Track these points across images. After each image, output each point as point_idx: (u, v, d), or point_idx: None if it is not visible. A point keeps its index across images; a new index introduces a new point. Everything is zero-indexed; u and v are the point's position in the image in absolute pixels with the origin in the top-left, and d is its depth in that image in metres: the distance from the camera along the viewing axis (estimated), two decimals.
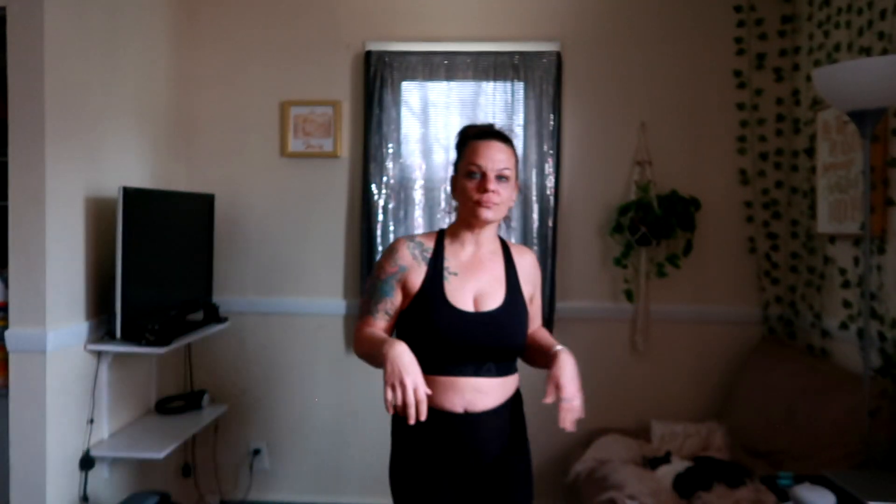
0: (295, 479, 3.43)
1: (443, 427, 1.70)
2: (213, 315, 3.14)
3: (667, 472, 2.59)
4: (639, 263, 3.30)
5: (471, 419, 1.71)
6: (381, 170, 3.31)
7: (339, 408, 3.40)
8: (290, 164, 3.42)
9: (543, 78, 3.27)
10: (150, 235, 2.73)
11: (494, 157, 1.74)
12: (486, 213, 1.73)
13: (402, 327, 1.80)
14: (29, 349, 2.35)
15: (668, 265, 3.25)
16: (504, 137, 1.81)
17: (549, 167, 3.27)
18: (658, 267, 3.26)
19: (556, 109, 3.27)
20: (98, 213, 2.64)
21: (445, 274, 1.76)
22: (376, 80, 3.29)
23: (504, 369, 1.76)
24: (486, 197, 1.71)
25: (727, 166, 3.31)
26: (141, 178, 3.00)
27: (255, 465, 3.42)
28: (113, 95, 2.78)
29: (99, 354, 2.64)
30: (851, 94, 2.16)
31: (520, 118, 3.29)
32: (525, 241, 3.27)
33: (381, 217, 3.31)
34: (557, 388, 1.64)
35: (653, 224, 3.18)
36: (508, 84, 3.29)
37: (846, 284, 2.78)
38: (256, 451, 3.42)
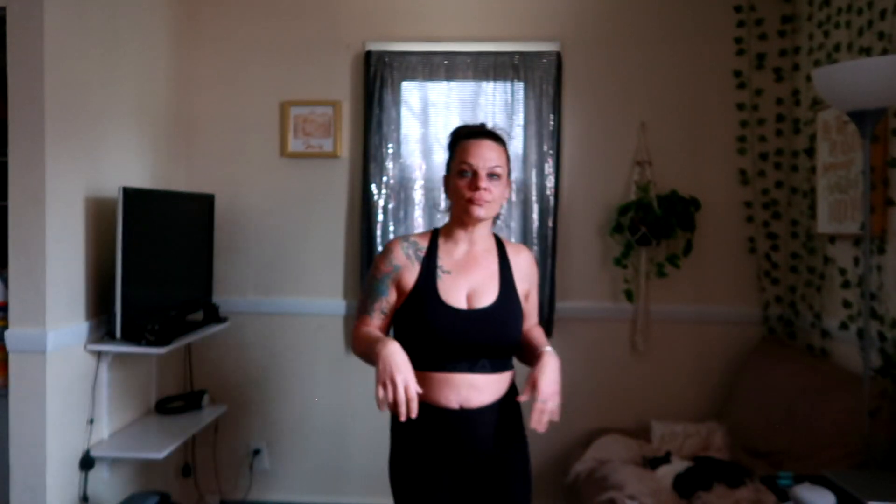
0: (295, 479, 3.43)
1: (439, 423, 1.74)
2: (213, 315, 3.14)
3: (667, 472, 2.59)
4: (639, 263, 3.30)
5: (466, 415, 1.74)
6: (381, 170, 3.31)
7: (339, 408, 3.40)
8: (290, 165, 3.42)
9: (543, 78, 3.27)
10: (150, 235, 2.73)
11: (485, 156, 1.76)
12: (478, 211, 1.76)
13: (397, 325, 1.83)
14: (29, 349, 2.35)
15: (668, 265, 3.25)
16: (495, 136, 1.83)
17: (549, 167, 3.27)
18: (658, 267, 3.26)
19: (556, 109, 3.27)
20: (98, 213, 2.64)
21: (439, 272, 1.79)
22: (376, 80, 3.29)
23: (498, 366, 1.78)
24: (477, 195, 1.74)
25: (727, 166, 3.31)
26: (141, 179, 3.00)
27: (255, 465, 3.42)
28: (113, 95, 2.78)
29: (99, 354, 2.64)
30: (851, 94, 2.16)
31: (520, 118, 3.30)
32: (525, 241, 3.27)
33: (381, 217, 3.31)
34: (534, 387, 1.67)
35: (653, 224, 3.18)
36: (508, 84, 3.29)
37: (846, 284, 2.78)
38: (256, 451, 3.42)
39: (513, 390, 1.84)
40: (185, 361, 3.37)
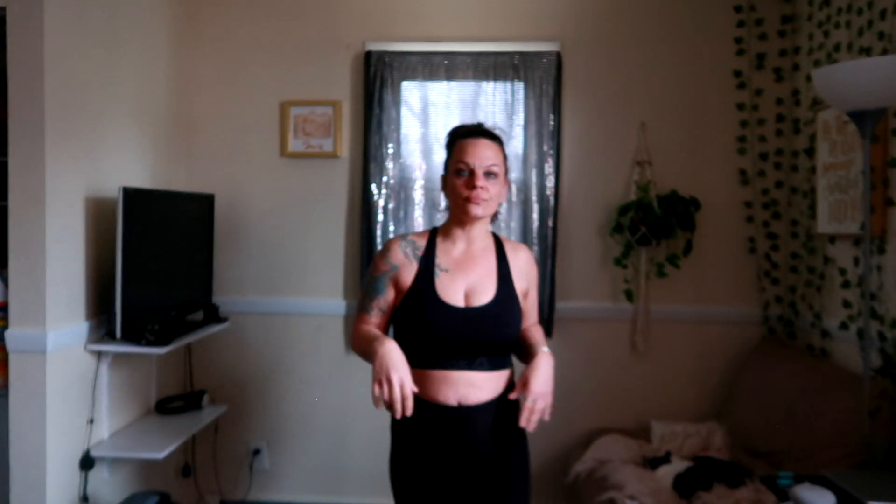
0: (295, 479, 3.43)
1: (437, 420, 1.74)
2: (213, 315, 3.14)
3: (667, 472, 2.59)
4: (639, 263, 3.30)
5: (465, 412, 1.74)
6: (381, 170, 3.31)
7: (339, 408, 3.40)
8: (290, 165, 3.42)
9: (543, 78, 3.27)
10: (150, 235, 2.73)
11: (482, 155, 1.78)
12: (475, 210, 1.77)
13: (396, 323, 1.84)
14: (29, 349, 2.35)
15: (668, 265, 3.25)
16: (492, 135, 1.85)
17: (549, 167, 3.27)
18: (658, 267, 3.26)
19: (556, 109, 3.27)
20: (98, 213, 2.64)
21: (436, 271, 1.80)
22: (376, 80, 3.29)
23: (497, 363, 1.79)
24: (474, 193, 1.76)
25: (727, 166, 3.31)
26: (141, 179, 3.00)
27: (255, 465, 3.42)
28: (113, 95, 2.78)
29: (99, 354, 2.64)
30: (851, 94, 2.16)
31: (520, 118, 3.29)
32: (525, 241, 3.27)
33: (381, 217, 3.31)
34: (524, 386, 1.68)
35: (653, 224, 3.18)
36: (508, 84, 3.29)
37: (846, 284, 2.78)
38: (256, 451, 3.42)
39: (511, 388, 1.85)
40: (185, 361, 3.37)
